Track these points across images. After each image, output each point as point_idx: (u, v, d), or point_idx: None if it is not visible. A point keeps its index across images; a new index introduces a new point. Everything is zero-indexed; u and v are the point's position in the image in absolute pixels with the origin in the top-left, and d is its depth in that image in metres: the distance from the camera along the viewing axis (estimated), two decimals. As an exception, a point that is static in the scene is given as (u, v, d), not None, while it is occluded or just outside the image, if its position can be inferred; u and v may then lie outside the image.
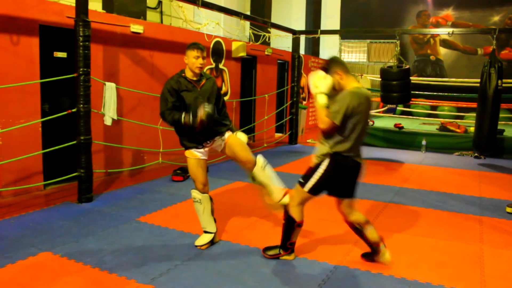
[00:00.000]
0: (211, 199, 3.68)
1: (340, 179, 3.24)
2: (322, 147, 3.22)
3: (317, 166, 3.22)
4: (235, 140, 3.65)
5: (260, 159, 3.68)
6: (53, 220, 4.19)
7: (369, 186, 5.96)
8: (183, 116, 3.45)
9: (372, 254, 3.41)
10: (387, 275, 3.21)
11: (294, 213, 3.31)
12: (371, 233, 3.37)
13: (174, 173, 6.01)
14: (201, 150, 3.62)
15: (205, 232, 3.67)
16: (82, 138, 4.71)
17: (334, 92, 3.20)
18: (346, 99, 3.05)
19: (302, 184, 3.25)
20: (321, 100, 3.13)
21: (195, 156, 3.61)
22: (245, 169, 3.68)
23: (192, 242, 3.73)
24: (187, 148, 3.64)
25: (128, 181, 5.87)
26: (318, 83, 3.16)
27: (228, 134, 3.67)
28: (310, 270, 3.26)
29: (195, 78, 3.64)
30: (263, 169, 3.64)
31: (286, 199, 3.61)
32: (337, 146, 3.14)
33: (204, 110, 3.37)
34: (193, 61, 3.58)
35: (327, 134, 3.15)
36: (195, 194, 3.62)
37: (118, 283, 2.97)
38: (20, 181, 4.93)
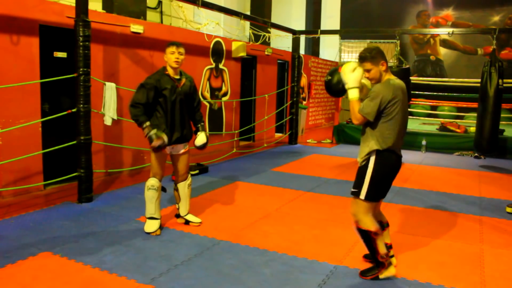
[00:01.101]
0: (163, 188, 4.09)
1: (389, 177, 3.14)
2: (364, 147, 3.14)
3: (365, 168, 3.11)
4: (188, 155, 4.13)
5: (190, 178, 4.20)
6: (53, 220, 4.19)
7: (369, 186, 5.96)
8: (145, 126, 3.73)
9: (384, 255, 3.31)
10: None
11: (365, 225, 3.07)
12: (387, 235, 3.36)
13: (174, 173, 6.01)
14: (168, 147, 3.95)
15: (152, 218, 3.95)
16: (82, 138, 4.71)
17: (371, 82, 3.13)
18: (379, 94, 2.97)
19: (357, 194, 3.11)
20: (352, 95, 3.08)
21: (163, 151, 3.93)
22: (176, 178, 4.13)
23: (192, 242, 3.73)
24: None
25: (128, 181, 5.87)
26: (347, 77, 3.10)
27: (187, 146, 4.09)
28: (310, 270, 3.26)
29: (176, 77, 3.92)
30: (187, 187, 4.15)
31: (189, 217, 4.16)
32: (380, 142, 3.04)
33: (158, 142, 3.70)
34: (169, 56, 3.84)
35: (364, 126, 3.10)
36: (154, 182, 3.93)
37: (118, 283, 2.97)
38: (20, 181, 4.93)
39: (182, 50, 3.84)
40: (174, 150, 4.02)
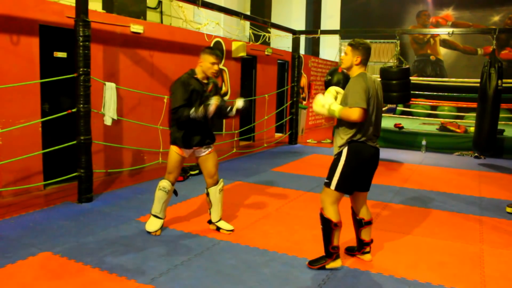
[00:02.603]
0: (175, 191, 4.05)
1: (361, 168, 3.21)
2: (337, 139, 3.26)
3: (337, 159, 3.21)
4: (215, 156, 3.99)
5: (222, 182, 4.05)
6: (53, 220, 4.19)
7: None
8: (193, 109, 3.59)
9: (356, 250, 3.51)
10: (387, 275, 3.21)
11: (329, 214, 3.19)
12: (366, 232, 3.44)
13: (174, 173, 6.01)
14: (188, 151, 3.89)
15: (156, 217, 3.94)
16: (82, 138, 4.71)
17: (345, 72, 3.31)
18: (359, 83, 3.11)
19: (328, 184, 3.21)
20: (335, 108, 3.17)
21: (182, 153, 3.87)
22: (207, 182, 4.01)
23: (192, 242, 3.73)
24: (177, 144, 3.85)
25: (128, 181, 5.87)
26: (323, 103, 3.23)
27: (212, 147, 4.00)
28: (310, 270, 3.26)
29: (205, 81, 3.85)
30: (219, 192, 4.01)
31: (220, 224, 4.03)
32: (352, 135, 3.15)
33: (216, 100, 3.56)
34: (209, 66, 3.75)
35: (360, 121, 3.11)
36: (166, 184, 3.93)
37: (118, 283, 2.97)
38: (20, 181, 4.93)
39: (221, 61, 3.81)
40: (197, 152, 3.93)
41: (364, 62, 3.26)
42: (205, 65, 3.73)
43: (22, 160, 4.75)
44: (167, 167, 3.94)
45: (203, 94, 3.77)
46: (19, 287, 2.89)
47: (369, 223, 3.44)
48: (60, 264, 3.23)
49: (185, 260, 3.36)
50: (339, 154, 3.22)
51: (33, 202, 4.74)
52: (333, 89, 3.36)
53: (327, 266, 3.25)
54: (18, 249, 3.45)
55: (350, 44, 3.28)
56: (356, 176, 3.22)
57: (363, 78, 3.16)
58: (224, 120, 8.50)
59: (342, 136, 3.20)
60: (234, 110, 3.69)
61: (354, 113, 3.05)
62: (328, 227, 3.20)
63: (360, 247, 3.47)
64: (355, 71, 3.24)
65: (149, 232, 3.91)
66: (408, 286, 3.06)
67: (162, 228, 4.02)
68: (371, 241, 3.47)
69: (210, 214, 4.05)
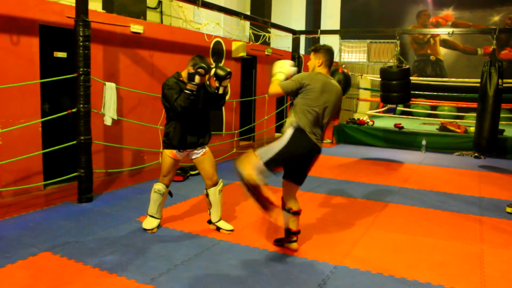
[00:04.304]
0: (170, 193, 4.10)
1: (297, 155, 3.34)
2: (288, 121, 3.42)
3: (282, 137, 3.35)
4: (210, 156, 4.03)
5: (221, 183, 4.07)
6: (53, 220, 4.19)
7: (369, 186, 5.96)
8: (186, 90, 3.65)
9: (283, 240, 3.64)
10: (387, 275, 3.21)
11: (250, 177, 3.19)
12: (293, 222, 3.58)
13: (174, 173, 6.01)
14: (182, 153, 3.92)
15: (152, 217, 4.00)
16: (82, 138, 4.71)
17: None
18: (300, 76, 3.35)
19: (261, 157, 3.25)
20: (279, 76, 3.41)
21: (175, 156, 3.91)
22: (206, 183, 4.03)
23: (192, 242, 3.73)
24: (170, 147, 3.88)
25: (128, 181, 5.87)
26: (283, 65, 3.47)
27: (207, 148, 4.03)
28: (310, 270, 3.26)
29: None
30: (218, 192, 4.02)
31: (220, 224, 4.03)
32: (304, 124, 3.30)
33: (201, 67, 3.64)
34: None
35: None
36: (161, 187, 3.97)
37: (118, 283, 2.97)
38: (20, 181, 4.93)
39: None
40: (191, 154, 3.97)
41: (327, 64, 3.46)
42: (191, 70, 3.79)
43: (22, 160, 4.75)
44: (161, 170, 3.98)
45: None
46: (19, 287, 2.89)
47: (296, 213, 3.57)
48: (60, 264, 3.23)
49: (185, 260, 3.36)
50: (284, 134, 3.36)
51: (33, 202, 4.73)
52: (289, 67, 3.51)
53: (271, 219, 3.41)
54: (18, 249, 3.45)
55: (311, 50, 3.51)
56: (289, 162, 3.38)
57: (311, 73, 3.39)
58: (224, 120, 8.50)
59: (291, 120, 3.36)
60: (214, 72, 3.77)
61: (273, 87, 3.38)
62: (255, 186, 3.21)
63: (287, 236, 3.60)
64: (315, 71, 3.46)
65: (145, 230, 3.95)
66: (408, 286, 3.06)
67: (162, 228, 4.02)
68: (298, 231, 3.61)
69: (209, 214, 4.06)
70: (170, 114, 3.86)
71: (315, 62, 3.47)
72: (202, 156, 3.96)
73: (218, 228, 4.03)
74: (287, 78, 3.45)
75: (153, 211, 4.00)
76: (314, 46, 3.53)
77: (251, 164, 3.22)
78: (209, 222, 4.10)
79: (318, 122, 3.36)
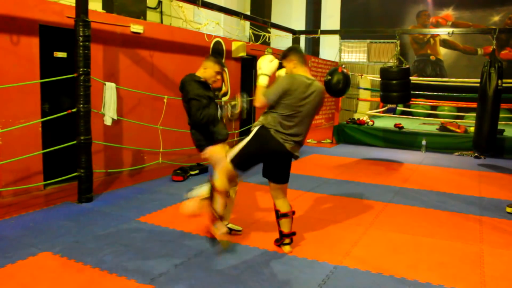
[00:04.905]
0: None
1: (260, 152, 3.31)
2: (259, 119, 3.40)
3: (247, 135, 3.36)
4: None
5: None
6: (53, 220, 4.19)
7: (369, 186, 5.96)
8: (219, 111, 3.65)
9: (279, 240, 3.64)
10: (387, 275, 3.21)
11: (216, 181, 3.35)
12: (284, 224, 3.54)
13: (174, 173, 6.01)
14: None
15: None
16: (82, 138, 4.71)
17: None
18: (284, 80, 3.30)
19: (228, 155, 3.35)
20: (262, 80, 3.37)
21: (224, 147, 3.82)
22: None
23: (192, 242, 3.73)
24: (217, 141, 3.79)
25: (128, 181, 5.87)
26: (263, 65, 3.40)
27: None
28: (310, 270, 3.26)
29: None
30: (235, 193, 3.92)
31: (231, 225, 3.93)
32: (270, 124, 3.28)
33: (240, 102, 3.67)
34: (213, 74, 3.82)
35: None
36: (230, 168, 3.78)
37: (118, 283, 2.97)
38: (20, 181, 4.93)
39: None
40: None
41: (300, 62, 3.42)
42: (209, 72, 3.79)
43: (22, 160, 4.75)
44: (219, 163, 3.82)
45: (211, 96, 3.78)
46: (19, 287, 2.89)
47: (285, 215, 3.52)
48: (60, 264, 3.23)
49: (185, 260, 3.36)
50: (250, 131, 3.37)
51: (33, 202, 4.74)
52: (273, 66, 3.44)
53: (213, 231, 3.36)
54: (18, 249, 3.45)
55: (281, 59, 3.47)
56: (252, 161, 3.34)
57: (290, 77, 3.33)
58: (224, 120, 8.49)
59: (260, 119, 3.36)
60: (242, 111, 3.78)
61: (261, 100, 3.31)
62: (213, 192, 3.37)
63: (280, 238, 3.60)
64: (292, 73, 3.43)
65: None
66: (408, 286, 3.06)
67: (162, 228, 4.02)
68: (291, 233, 3.57)
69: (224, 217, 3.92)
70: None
71: (289, 66, 3.43)
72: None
73: (230, 230, 3.89)
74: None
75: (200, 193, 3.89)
76: (280, 55, 3.50)
77: (223, 167, 3.35)
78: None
79: (292, 125, 3.29)
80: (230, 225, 3.96)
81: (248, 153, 3.32)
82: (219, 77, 3.83)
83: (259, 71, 3.42)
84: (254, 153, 3.33)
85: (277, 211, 3.56)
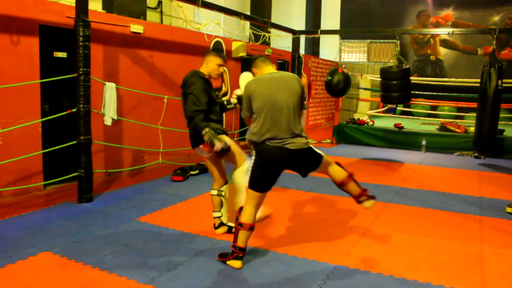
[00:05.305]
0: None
1: (268, 168, 3.21)
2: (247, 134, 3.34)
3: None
4: None
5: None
6: (53, 220, 4.19)
7: (369, 186, 5.95)
8: (205, 131, 3.50)
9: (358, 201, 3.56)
10: (387, 275, 3.21)
11: (242, 212, 3.29)
12: (348, 189, 3.56)
13: (174, 173, 6.01)
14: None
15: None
16: (82, 138, 4.71)
17: None
18: (245, 87, 3.26)
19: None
20: (235, 101, 3.42)
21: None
22: (219, 181, 3.95)
23: (192, 242, 3.73)
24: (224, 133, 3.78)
25: (128, 181, 5.87)
26: (240, 83, 3.46)
27: None
28: (310, 270, 3.26)
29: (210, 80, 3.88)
30: (228, 192, 3.97)
31: (232, 224, 3.92)
32: (253, 134, 3.21)
33: (223, 142, 3.50)
34: (215, 67, 3.79)
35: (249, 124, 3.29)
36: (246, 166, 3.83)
37: (118, 283, 2.97)
38: (20, 181, 4.93)
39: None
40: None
41: (258, 68, 3.39)
42: (211, 66, 3.77)
43: (22, 160, 4.75)
44: (213, 175, 3.92)
45: (213, 95, 3.79)
46: (19, 287, 2.89)
47: (341, 184, 3.55)
48: (60, 264, 3.23)
49: (185, 260, 3.36)
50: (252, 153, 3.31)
51: (33, 202, 4.74)
52: (245, 79, 3.47)
53: (227, 262, 3.29)
54: (18, 249, 3.45)
55: (252, 70, 3.49)
56: (266, 176, 3.22)
57: (246, 85, 3.28)
58: (224, 120, 8.49)
59: (248, 136, 3.28)
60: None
61: (245, 120, 3.33)
62: (236, 223, 3.29)
63: (357, 197, 3.56)
64: None
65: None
66: (408, 286, 3.06)
67: (162, 228, 4.02)
68: (361, 193, 3.55)
69: (219, 217, 3.95)
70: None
71: (256, 72, 3.43)
72: None
73: (229, 229, 3.91)
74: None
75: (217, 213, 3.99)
76: (251, 65, 3.50)
77: (246, 197, 3.29)
78: (218, 226, 3.96)
79: (277, 121, 3.13)
80: (230, 224, 3.97)
81: (259, 174, 3.21)
82: (221, 69, 3.81)
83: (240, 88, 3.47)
84: (265, 171, 3.21)
85: (336, 184, 3.58)
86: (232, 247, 3.28)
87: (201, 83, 3.62)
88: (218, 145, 3.45)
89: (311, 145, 3.33)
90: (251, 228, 3.26)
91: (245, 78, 3.39)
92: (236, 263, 3.25)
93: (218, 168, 3.89)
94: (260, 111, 3.16)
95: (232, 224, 3.94)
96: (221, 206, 3.93)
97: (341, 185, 3.49)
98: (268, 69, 3.37)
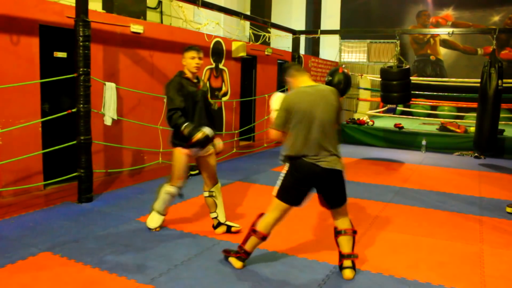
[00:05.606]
0: (180, 194, 4.01)
1: (299, 183, 3.10)
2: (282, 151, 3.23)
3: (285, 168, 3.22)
4: (214, 155, 4.00)
5: (219, 181, 4.04)
6: (53, 220, 4.19)
7: (369, 186, 5.96)
8: (184, 125, 3.61)
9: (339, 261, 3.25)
10: (387, 275, 3.21)
11: (259, 219, 3.23)
12: (342, 242, 3.23)
13: (174, 173, 6.01)
14: (195, 149, 3.82)
15: (158, 213, 3.97)
16: (82, 138, 4.71)
17: None
18: (282, 102, 3.12)
19: (274, 190, 3.21)
20: (273, 116, 3.21)
21: (190, 153, 3.80)
22: (210, 182, 3.96)
23: (192, 242, 3.73)
24: (180, 146, 3.79)
25: (128, 181, 5.87)
26: (272, 102, 3.28)
27: (212, 147, 3.96)
28: (310, 270, 3.26)
29: (194, 80, 3.87)
30: (220, 190, 4.00)
31: (229, 223, 3.99)
32: (289, 149, 3.10)
33: (203, 132, 3.60)
34: (189, 61, 3.79)
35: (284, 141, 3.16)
36: (173, 190, 3.88)
37: (118, 283, 2.97)
38: (20, 181, 4.93)
39: (201, 55, 3.85)
40: (203, 151, 3.90)
41: (294, 77, 3.25)
42: (186, 61, 3.80)
43: (22, 160, 4.74)
44: (175, 172, 3.84)
45: (197, 92, 3.80)
46: (19, 287, 2.89)
47: (342, 232, 3.21)
48: (60, 264, 3.23)
49: (185, 260, 3.36)
50: (284, 165, 3.21)
51: (33, 202, 4.73)
52: (279, 99, 3.25)
53: (229, 259, 3.29)
54: (18, 249, 3.45)
55: (285, 79, 3.35)
56: (296, 190, 3.12)
57: (285, 98, 3.13)
58: (224, 120, 8.49)
59: (283, 151, 3.17)
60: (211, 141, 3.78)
61: (271, 133, 3.18)
62: (250, 229, 3.24)
63: (339, 260, 3.23)
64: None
65: (150, 229, 3.94)
66: (408, 286, 3.06)
67: (162, 228, 4.02)
68: (351, 255, 3.19)
69: (216, 217, 3.98)
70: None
71: (291, 81, 3.28)
72: (209, 154, 3.93)
73: (228, 228, 3.94)
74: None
75: (160, 209, 3.99)
76: (284, 73, 3.36)
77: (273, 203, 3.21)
78: (216, 226, 3.99)
79: (314, 138, 3.03)
80: (228, 223, 3.99)
81: (289, 186, 3.13)
82: (198, 61, 3.79)
83: (271, 111, 3.27)
84: (296, 185, 3.11)
85: (334, 228, 3.28)
86: (238, 247, 3.27)
87: (175, 83, 3.73)
88: (198, 135, 3.54)
89: (343, 171, 3.16)
90: (264, 238, 3.21)
91: (279, 98, 3.23)
92: (237, 263, 3.25)
93: (206, 170, 3.96)
94: (297, 126, 3.05)
95: (230, 223, 3.98)
96: (216, 206, 3.97)
97: (338, 233, 3.24)
98: (304, 80, 3.23)
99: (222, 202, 4.01)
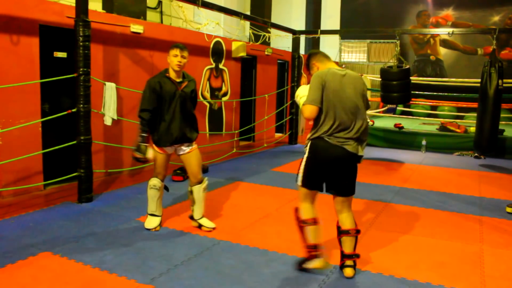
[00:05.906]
0: (165, 187, 4.12)
1: (323, 165, 3.09)
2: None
3: (303, 154, 3.21)
4: (197, 154, 4.03)
5: (206, 181, 4.10)
6: (53, 220, 4.19)
7: (369, 186, 5.96)
8: (141, 136, 3.87)
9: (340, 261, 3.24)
10: (387, 275, 3.21)
11: (299, 211, 3.21)
12: (345, 242, 3.20)
13: (174, 173, 6.01)
14: (169, 148, 3.95)
15: (153, 215, 4.03)
16: (82, 138, 4.71)
17: None
18: (312, 80, 3.10)
19: (296, 179, 3.23)
20: (302, 100, 3.17)
21: (164, 151, 3.95)
22: (190, 180, 4.05)
23: (192, 242, 3.73)
24: (156, 143, 3.93)
25: (128, 181, 5.87)
26: (301, 91, 3.26)
27: (194, 145, 4.02)
28: (310, 270, 3.25)
29: (178, 79, 3.91)
30: (202, 191, 4.05)
31: (202, 221, 4.05)
32: (315, 131, 3.11)
33: (138, 155, 3.80)
34: (172, 59, 3.84)
35: (314, 120, 3.13)
36: (156, 182, 3.99)
37: (118, 283, 2.97)
38: (20, 181, 4.93)
39: (185, 53, 3.85)
40: (178, 150, 3.99)
41: (321, 62, 3.25)
42: (169, 59, 3.84)
43: (22, 160, 4.75)
44: (154, 167, 4.01)
45: (175, 92, 3.84)
46: (19, 287, 2.89)
47: (346, 232, 3.16)
48: (60, 264, 3.23)
49: (185, 260, 3.36)
50: (305, 150, 3.21)
51: (33, 202, 4.73)
52: (307, 87, 3.27)
53: (310, 267, 3.14)
54: (18, 249, 3.45)
55: (305, 67, 3.34)
56: (318, 173, 3.13)
57: (318, 73, 3.11)
58: (224, 120, 8.49)
59: (308, 135, 3.19)
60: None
61: (304, 110, 3.07)
62: (298, 224, 3.19)
63: (341, 259, 3.22)
64: None
65: (148, 229, 3.96)
66: (408, 286, 3.06)
67: (162, 228, 4.03)
68: (353, 254, 3.16)
69: (192, 211, 4.10)
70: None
71: (319, 66, 3.25)
72: (188, 153, 3.97)
73: (200, 226, 4.05)
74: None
75: (152, 209, 4.03)
76: (306, 63, 3.36)
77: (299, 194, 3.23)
78: (191, 218, 4.13)
79: (342, 121, 3.00)
80: (201, 221, 4.05)
81: (311, 169, 3.11)
82: (181, 59, 3.81)
83: (299, 98, 3.22)
84: (317, 167, 3.10)
85: (338, 227, 3.23)
86: (305, 251, 3.16)
87: (152, 81, 3.83)
88: (135, 154, 3.77)
89: (361, 157, 3.14)
90: (315, 221, 3.13)
91: (306, 87, 3.21)
92: (317, 263, 3.09)
93: (187, 168, 4.04)
94: (327, 105, 3.02)
95: (204, 223, 4.04)
96: (194, 203, 4.05)
97: (342, 232, 3.20)
98: (332, 65, 3.22)
99: (202, 201, 4.05)
